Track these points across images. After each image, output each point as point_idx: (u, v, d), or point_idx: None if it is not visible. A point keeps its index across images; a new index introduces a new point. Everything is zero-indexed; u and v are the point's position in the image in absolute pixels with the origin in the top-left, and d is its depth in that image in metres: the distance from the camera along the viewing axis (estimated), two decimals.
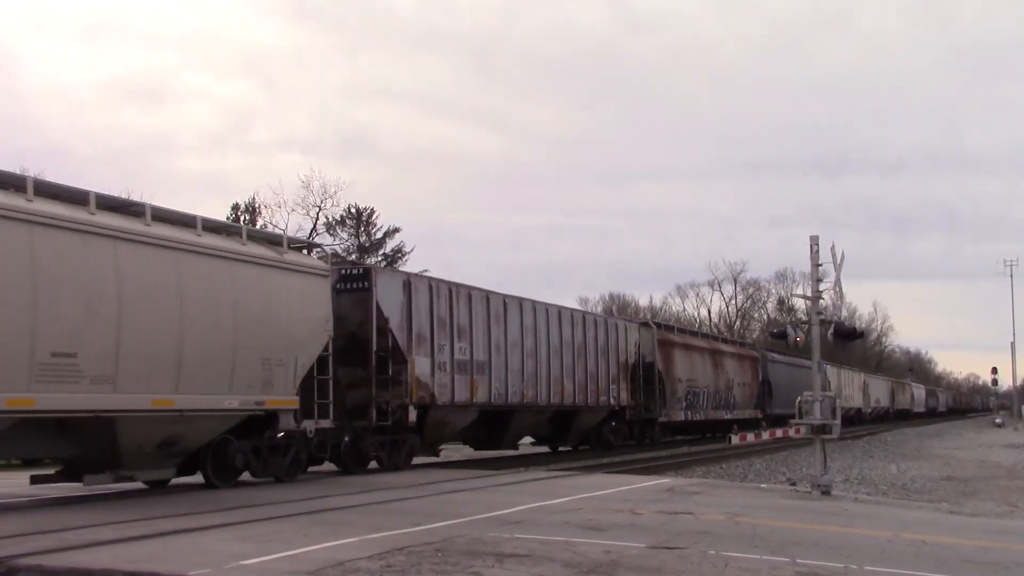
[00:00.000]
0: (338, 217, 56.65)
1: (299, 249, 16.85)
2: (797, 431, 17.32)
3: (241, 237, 14.96)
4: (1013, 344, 74.59)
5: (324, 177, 76.01)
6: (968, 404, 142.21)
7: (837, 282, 16.73)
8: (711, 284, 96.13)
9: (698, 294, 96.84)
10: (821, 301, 16.71)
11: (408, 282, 19.15)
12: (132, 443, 12.89)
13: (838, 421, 16.46)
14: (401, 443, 18.89)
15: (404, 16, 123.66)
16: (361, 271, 19.09)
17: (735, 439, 28.04)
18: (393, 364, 18.16)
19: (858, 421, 59.41)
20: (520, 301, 23.39)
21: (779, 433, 28.61)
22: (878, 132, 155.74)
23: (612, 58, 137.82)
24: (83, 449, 12.67)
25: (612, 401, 27.78)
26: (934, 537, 11.32)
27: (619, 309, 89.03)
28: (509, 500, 12.92)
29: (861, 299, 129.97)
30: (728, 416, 36.68)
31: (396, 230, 58.58)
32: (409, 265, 59.69)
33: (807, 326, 17.73)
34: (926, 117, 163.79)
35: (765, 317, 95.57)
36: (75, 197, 12.32)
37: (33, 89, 78.88)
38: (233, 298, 14.17)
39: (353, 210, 57.44)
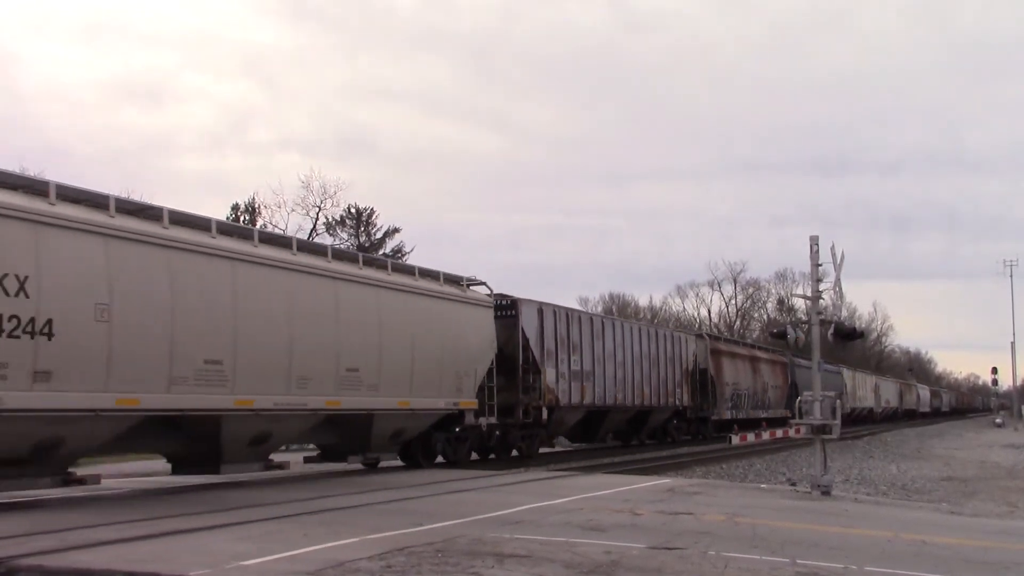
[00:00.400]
0: (338, 217, 56.68)
1: (470, 286, 21.40)
2: (797, 431, 17.32)
3: (439, 281, 19.92)
4: (1013, 344, 74.67)
5: (324, 177, 76.06)
6: (970, 404, 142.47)
7: (837, 282, 16.73)
8: (711, 284, 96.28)
9: (698, 294, 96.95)
10: (821, 301, 16.70)
11: (540, 309, 24.41)
12: (380, 433, 18.09)
13: (838, 421, 16.45)
14: (535, 436, 24.35)
15: (404, 16, 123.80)
16: (509, 302, 23.62)
17: (735, 439, 28.08)
18: (532, 374, 23.45)
19: (870, 420, 64.72)
20: (612, 321, 30.34)
21: (779, 433, 28.68)
22: (878, 132, 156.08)
23: (612, 58, 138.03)
24: (348, 437, 17.75)
25: (677, 402, 32.82)
26: (934, 537, 11.32)
27: (619, 309, 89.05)
28: (509, 500, 12.92)
29: (861, 299, 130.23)
30: (763, 415, 40.76)
31: (396, 230, 58.58)
32: None
33: (807, 326, 17.73)
34: (926, 117, 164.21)
35: (765, 317, 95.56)
36: (279, 241, 16.93)
37: (33, 89, 78.94)
38: (440, 327, 19.30)
39: (353, 210, 57.45)
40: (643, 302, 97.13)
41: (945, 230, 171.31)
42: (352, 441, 17.82)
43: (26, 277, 11.36)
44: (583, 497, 13.57)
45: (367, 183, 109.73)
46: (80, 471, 13.32)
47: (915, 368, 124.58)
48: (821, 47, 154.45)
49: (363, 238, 58.87)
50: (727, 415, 37.07)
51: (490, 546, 8.79)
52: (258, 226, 57.48)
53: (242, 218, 58.47)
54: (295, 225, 55.40)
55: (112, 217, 12.76)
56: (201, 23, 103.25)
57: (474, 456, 22.42)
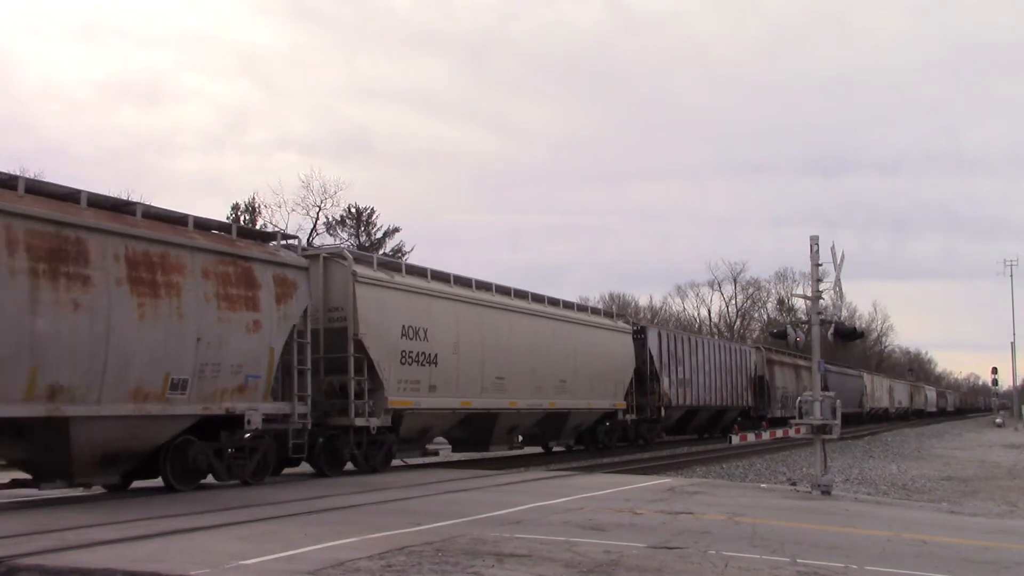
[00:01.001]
0: (338, 217, 56.66)
1: (616, 316, 30.20)
2: (797, 431, 17.32)
3: (587, 312, 27.15)
4: (1013, 344, 74.62)
5: (324, 177, 76.01)
6: (973, 404, 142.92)
7: (837, 282, 16.72)
8: (711, 284, 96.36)
9: (698, 294, 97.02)
10: (821, 301, 16.70)
11: (659, 333, 33.20)
12: (571, 425, 25.53)
13: (838, 421, 16.45)
14: (654, 430, 31.64)
15: (401, 16, 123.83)
16: (640, 327, 31.59)
17: (735, 439, 28.03)
18: (654, 382, 30.79)
19: (885, 418, 72.66)
20: (705, 339, 39.34)
21: (779, 433, 28.62)
22: (876, 132, 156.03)
23: (610, 58, 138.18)
24: (550, 428, 24.84)
25: (743, 403, 40.33)
26: (934, 537, 11.32)
27: (619, 309, 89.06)
28: (509, 500, 12.91)
29: (861, 299, 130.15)
30: None
31: (396, 230, 58.57)
32: None
33: (807, 326, 17.73)
34: (924, 116, 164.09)
35: (765, 317, 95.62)
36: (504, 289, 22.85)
37: (30, 89, 78.99)
38: (603, 350, 26.63)
39: (353, 210, 57.45)
40: (643, 302, 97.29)
41: (945, 230, 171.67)
42: (551, 431, 25.23)
43: (426, 329, 18.78)
44: (583, 497, 13.56)
45: (365, 183, 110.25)
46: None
47: (915, 368, 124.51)
48: (819, 47, 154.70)
49: (363, 238, 58.85)
50: (778, 414, 43.09)
51: (490, 545, 8.79)
52: (258, 226, 57.60)
53: (242, 218, 58.47)
54: (295, 225, 55.42)
55: (451, 287, 20.23)
56: (198, 23, 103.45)
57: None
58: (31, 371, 11.23)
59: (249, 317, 14.34)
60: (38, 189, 12.38)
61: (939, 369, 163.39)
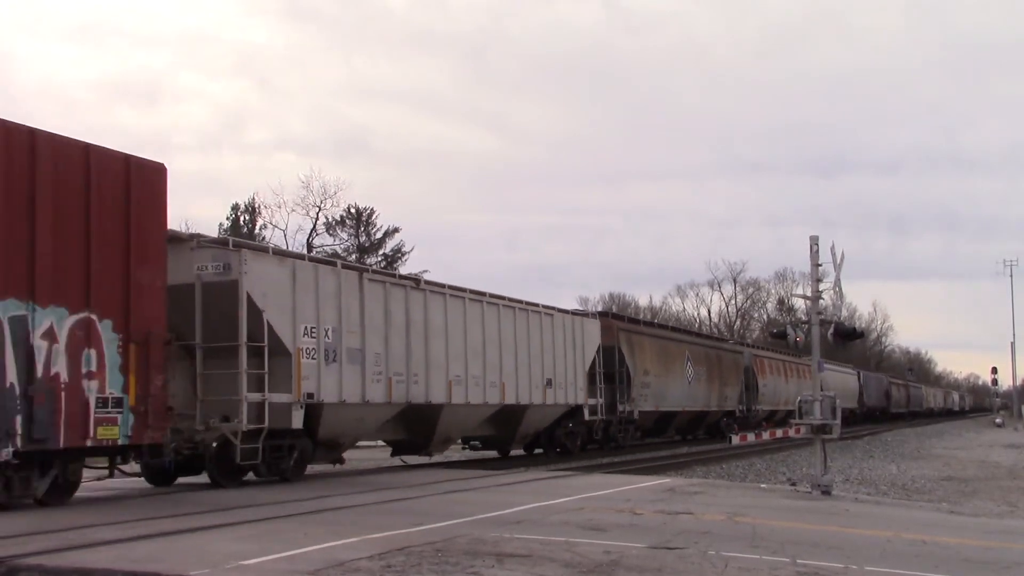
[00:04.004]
0: (338, 217, 56.65)
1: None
2: (797, 431, 17.30)
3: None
4: (1013, 344, 74.68)
5: (324, 177, 75.98)
6: (981, 403, 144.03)
7: (837, 282, 16.72)
8: (711, 284, 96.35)
9: (698, 294, 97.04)
10: (821, 301, 16.70)
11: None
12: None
13: (838, 421, 16.45)
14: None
15: (399, 15, 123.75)
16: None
17: (735, 439, 28.05)
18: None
19: (924, 416, 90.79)
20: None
21: (779, 433, 28.63)
22: (876, 132, 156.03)
23: (608, 58, 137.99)
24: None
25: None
26: (934, 537, 11.32)
27: (619, 309, 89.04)
28: (509, 500, 12.92)
29: (861, 299, 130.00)
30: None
31: (396, 230, 58.61)
32: (408, 266, 59.76)
33: (807, 326, 17.73)
34: (924, 117, 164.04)
35: (765, 317, 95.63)
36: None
37: (28, 89, 79.03)
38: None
39: (353, 210, 57.46)
40: (643, 302, 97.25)
41: (944, 230, 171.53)
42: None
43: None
44: (583, 497, 13.57)
45: (364, 183, 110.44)
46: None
47: (915, 368, 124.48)
48: (817, 47, 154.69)
49: (363, 238, 58.84)
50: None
51: (490, 546, 8.79)
52: (258, 226, 57.36)
53: (242, 218, 58.39)
54: (295, 225, 55.37)
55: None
56: (195, 23, 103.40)
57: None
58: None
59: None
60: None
61: (939, 369, 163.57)
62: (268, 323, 14.93)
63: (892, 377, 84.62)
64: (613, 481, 17.03)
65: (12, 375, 10.91)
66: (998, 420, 76.01)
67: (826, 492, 16.10)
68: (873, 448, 36.59)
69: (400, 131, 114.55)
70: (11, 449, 10.89)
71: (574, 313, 26.58)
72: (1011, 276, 77.27)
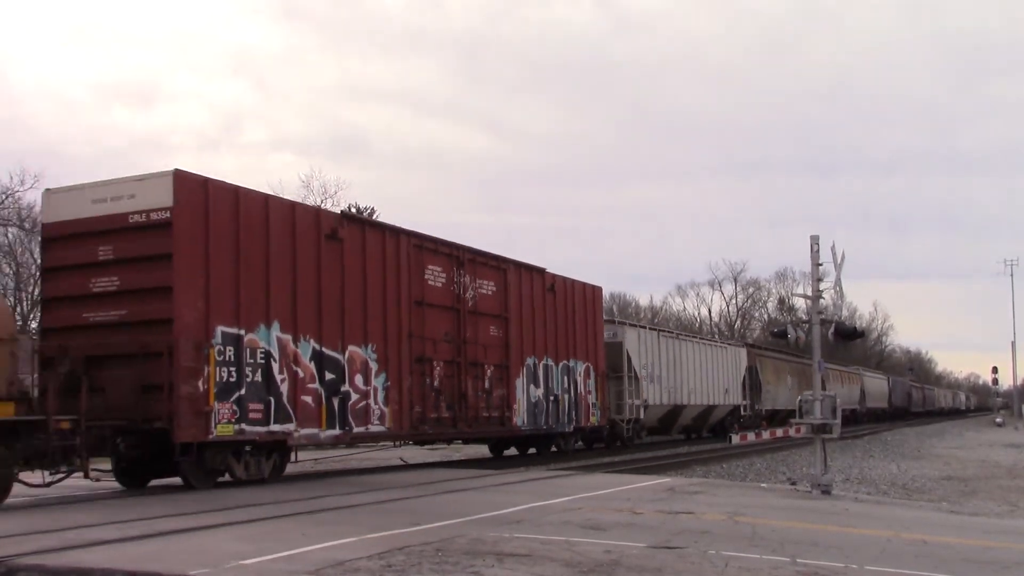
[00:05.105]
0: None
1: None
2: (797, 431, 17.29)
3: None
4: (1013, 344, 74.64)
5: (324, 177, 75.91)
6: (984, 403, 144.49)
7: (837, 281, 16.70)
8: (711, 284, 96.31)
9: (698, 294, 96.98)
10: (822, 301, 16.69)
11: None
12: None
13: (838, 420, 16.44)
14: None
15: (394, 16, 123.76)
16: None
17: (735, 439, 28.09)
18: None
19: (937, 415, 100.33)
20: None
21: (779, 433, 28.66)
22: (876, 132, 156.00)
23: (605, 59, 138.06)
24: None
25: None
26: (935, 537, 11.32)
27: (619, 309, 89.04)
28: (509, 500, 12.91)
29: (861, 299, 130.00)
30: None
31: None
32: None
33: (807, 326, 17.72)
34: (923, 116, 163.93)
35: (765, 317, 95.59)
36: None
37: (25, 89, 79.04)
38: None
39: (354, 210, 57.33)
40: (643, 302, 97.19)
41: (944, 230, 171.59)
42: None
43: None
44: (583, 496, 13.56)
45: (362, 183, 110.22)
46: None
47: (915, 368, 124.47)
48: (814, 47, 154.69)
49: None
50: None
51: (490, 545, 8.78)
52: None
53: None
54: None
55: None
56: (192, 23, 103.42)
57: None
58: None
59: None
60: None
61: (939, 369, 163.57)
62: (630, 362, 29.60)
63: (912, 381, 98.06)
64: (613, 481, 17.02)
65: (571, 392, 24.79)
66: (999, 420, 75.97)
67: (826, 492, 16.09)
68: (873, 448, 36.58)
69: (396, 131, 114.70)
70: (572, 428, 25.12)
71: (735, 344, 41.89)
72: (1011, 276, 77.29)
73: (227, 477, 14.75)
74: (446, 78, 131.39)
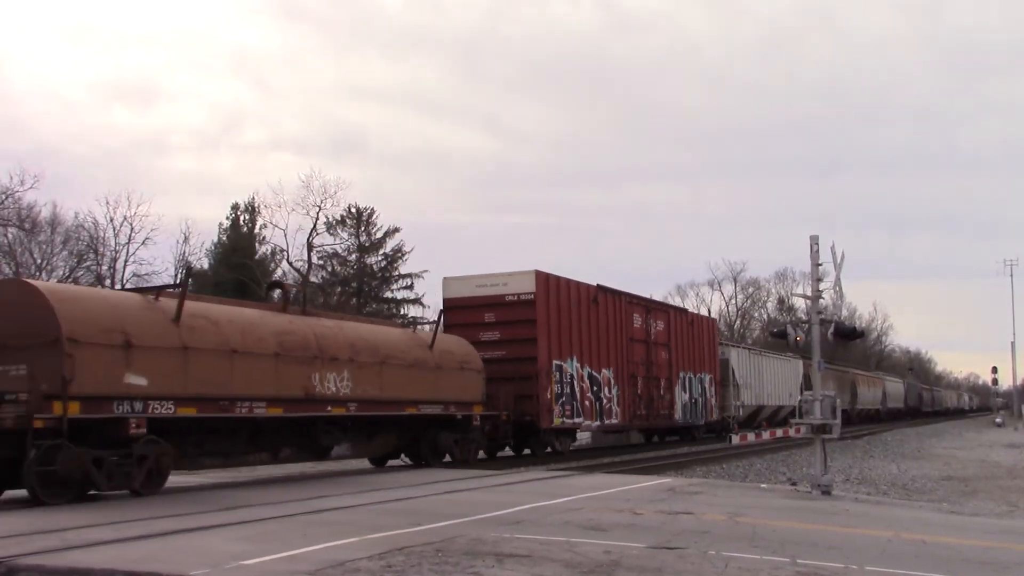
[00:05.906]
0: (338, 217, 56.61)
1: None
2: (797, 431, 17.29)
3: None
4: (1013, 344, 74.65)
5: (324, 177, 75.96)
6: (985, 403, 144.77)
7: (837, 281, 16.71)
8: (711, 284, 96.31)
9: (698, 294, 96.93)
10: (821, 301, 16.69)
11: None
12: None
13: (838, 421, 16.45)
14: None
15: (393, 16, 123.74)
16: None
17: (735, 439, 28.10)
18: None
19: (943, 414, 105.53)
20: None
21: (779, 433, 28.68)
22: (875, 132, 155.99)
23: (603, 59, 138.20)
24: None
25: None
26: (935, 537, 11.32)
27: None
28: (509, 500, 12.91)
29: (861, 299, 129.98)
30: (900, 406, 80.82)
31: (396, 230, 58.62)
32: (408, 265, 59.79)
33: (807, 326, 17.72)
34: (922, 116, 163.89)
35: (765, 317, 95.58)
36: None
37: (24, 90, 79.07)
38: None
39: (353, 210, 57.43)
40: None
41: (944, 230, 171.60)
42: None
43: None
44: (583, 497, 13.56)
45: (361, 183, 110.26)
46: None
47: (915, 368, 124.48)
48: (812, 47, 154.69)
49: (363, 238, 58.78)
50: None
51: (490, 546, 8.78)
52: (258, 226, 57.43)
53: (242, 217, 58.28)
54: (295, 224, 55.29)
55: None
56: (191, 23, 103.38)
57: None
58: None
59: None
60: None
61: (939, 369, 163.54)
62: (734, 373, 38.69)
63: (923, 384, 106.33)
64: (613, 481, 17.02)
65: (703, 396, 34.61)
66: (998, 420, 76.00)
67: (826, 492, 16.10)
68: (873, 448, 36.58)
69: (395, 131, 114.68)
70: (703, 421, 34.87)
71: (795, 357, 46.28)
72: (1011, 276, 77.26)
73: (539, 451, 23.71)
74: (445, 78, 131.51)
